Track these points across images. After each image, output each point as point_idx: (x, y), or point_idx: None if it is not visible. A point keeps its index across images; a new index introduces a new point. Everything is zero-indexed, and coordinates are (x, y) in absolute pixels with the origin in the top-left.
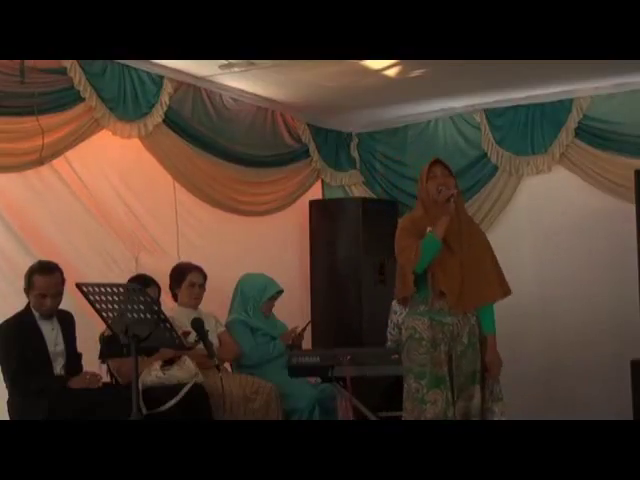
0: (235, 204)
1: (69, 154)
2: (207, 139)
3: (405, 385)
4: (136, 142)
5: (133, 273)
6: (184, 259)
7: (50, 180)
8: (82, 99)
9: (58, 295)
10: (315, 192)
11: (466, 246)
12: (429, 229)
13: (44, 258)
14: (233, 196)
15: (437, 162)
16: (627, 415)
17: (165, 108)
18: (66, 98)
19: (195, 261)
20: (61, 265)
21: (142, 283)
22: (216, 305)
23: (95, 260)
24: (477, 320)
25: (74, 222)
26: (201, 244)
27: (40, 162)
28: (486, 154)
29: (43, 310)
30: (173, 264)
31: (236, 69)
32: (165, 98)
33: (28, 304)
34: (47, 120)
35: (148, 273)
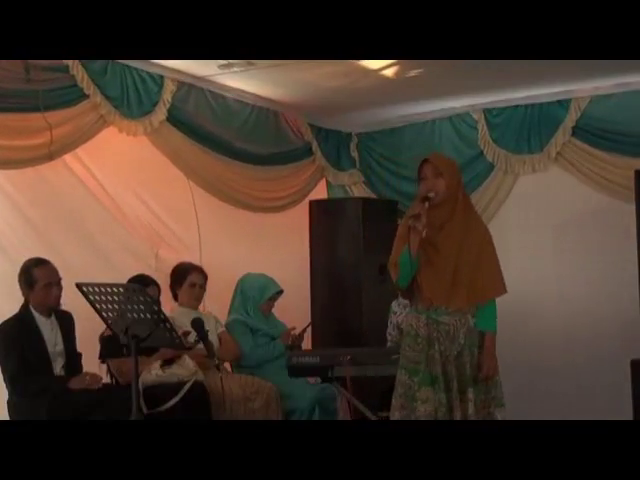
0: (249, 200)
1: (80, 152)
2: (212, 136)
3: (397, 381)
4: (144, 139)
5: (153, 269)
6: (205, 254)
7: (63, 177)
8: (86, 96)
9: (59, 284)
10: (319, 191)
11: (463, 245)
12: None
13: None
14: (245, 191)
15: (426, 162)
16: (627, 415)
17: (168, 106)
18: (71, 95)
19: (215, 259)
20: (79, 263)
21: (142, 283)
22: (219, 301)
23: (116, 257)
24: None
25: (90, 219)
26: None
27: (50, 157)
28: (482, 152)
29: (51, 301)
30: (195, 258)
31: (236, 69)
32: (167, 96)
33: (26, 304)
34: (54, 116)
35: (168, 268)
